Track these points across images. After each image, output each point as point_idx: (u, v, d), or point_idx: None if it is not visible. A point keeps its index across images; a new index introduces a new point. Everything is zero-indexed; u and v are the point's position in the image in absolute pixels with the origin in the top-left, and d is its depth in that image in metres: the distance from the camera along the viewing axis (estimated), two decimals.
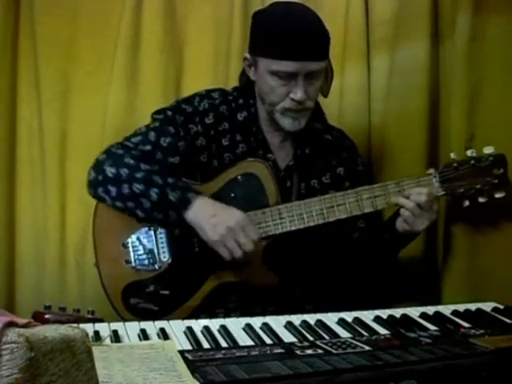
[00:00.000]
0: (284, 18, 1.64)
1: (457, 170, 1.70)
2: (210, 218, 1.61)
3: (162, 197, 1.64)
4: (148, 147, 1.73)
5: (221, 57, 2.16)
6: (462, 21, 1.82)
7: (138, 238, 1.74)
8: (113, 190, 1.69)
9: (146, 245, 1.73)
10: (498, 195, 1.70)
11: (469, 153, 1.70)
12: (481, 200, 1.70)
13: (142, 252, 1.73)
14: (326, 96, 1.80)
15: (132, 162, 1.69)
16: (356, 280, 1.85)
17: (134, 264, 1.72)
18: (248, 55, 1.73)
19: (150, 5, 2.11)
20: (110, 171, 1.69)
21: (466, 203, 1.72)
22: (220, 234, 1.60)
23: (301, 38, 1.62)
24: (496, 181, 1.69)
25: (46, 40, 2.11)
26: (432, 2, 1.96)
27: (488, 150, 1.69)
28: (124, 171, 1.68)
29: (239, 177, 1.72)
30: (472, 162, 1.69)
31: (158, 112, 1.79)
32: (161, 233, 1.73)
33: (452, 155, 1.72)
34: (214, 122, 1.76)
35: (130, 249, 1.73)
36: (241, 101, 1.80)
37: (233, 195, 1.71)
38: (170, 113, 1.77)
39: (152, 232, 1.74)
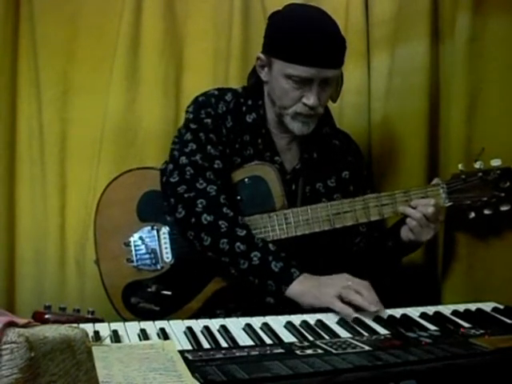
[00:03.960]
0: (304, 23, 1.62)
1: (464, 181, 1.70)
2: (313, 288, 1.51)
3: (264, 264, 1.55)
4: (218, 162, 1.69)
5: (221, 57, 2.16)
6: (462, 21, 1.82)
7: (141, 237, 1.73)
8: (207, 239, 1.61)
9: (148, 244, 1.73)
10: (503, 208, 1.70)
11: (477, 165, 1.71)
12: (486, 212, 1.71)
13: (144, 251, 1.73)
14: (334, 101, 1.79)
15: (231, 213, 1.61)
16: None
17: (135, 263, 1.72)
18: (262, 55, 1.71)
19: (150, 5, 2.11)
20: (205, 218, 1.60)
21: (472, 215, 1.73)
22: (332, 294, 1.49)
23: (320, 45, 1.60)
24: (502, 194, 1.70)
25: (46, 40, 2.11)
26: (432, 1, 1.96)
27: (495, 162, 1.70)
28: (224, 224, 1.59)
29: (246, 179, 1.72)
30: (480, 174, 1.70)
31: (194, 120, 1.73)
32: (164, 233, 1.73)
33: (460, 166, 1.73)
34: (232, 125, 1.75)
35: (132, 248, 1.73)
36: (250, 102, 1.78)
37: (239, 198, 1.71)
38: (207, 121, 1.73)
39: (155, 232, 1.73)
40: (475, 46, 1.81)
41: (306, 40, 1.60)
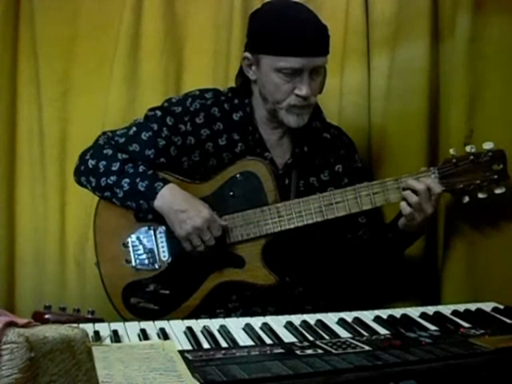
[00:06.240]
0: (289, 16, 1.65)
1: (456, 165, 1.69)
2: (179, 213, 1.66)
3: (133, 186, 1.69)
4: (123, 139, 1.77)
5: (221, 57, 2.16)
6: (462, 21, 1.82)
7: (138, 238, 1.74)
8: (93, 180, 1.75)
9: (145, 244, 1.73)
10: (497, 191, 1.68)
11: (468, 149, 1.69)
12: (480, 196, 1.69)
13: (142, 251, 1.73)
14: (320, 92, 1.80)
15: (110, 152, 1.75)
16: (358, 279, 1.85)
17: (134, 263, 1.72)
18: (249, 54, 1.72)
19: (150, 5, 2.11)
20: (90, 163, 1.75)
21: (466, 199, 1.71)
22: (187, 231, 1.65)
23: (308, 35, 1.63)
24: (495, 176, 1.67)
25: (46, 40, 2.11)
26: (432, 1, 1.96)
27: (487, 145, 1.68)
28: (102, 164, 1.73)
29: (238, 175, 1.72)
30: (471, 157, 1.68)
31: (150, 109, 1.81)
32: (160, 232, 1.74)
33: (451, 151, 1.71)
34: (204, 121, 1.77)
35: (130, 248, 1.73)
36: (236, 101, 1.80)
37: (232, 193, 1.72)
38: (159, 113, 1.78)
39: (152, 232, 1.74)
40: (475, 46, 1.81)
41: (294, 31, 1.63)
